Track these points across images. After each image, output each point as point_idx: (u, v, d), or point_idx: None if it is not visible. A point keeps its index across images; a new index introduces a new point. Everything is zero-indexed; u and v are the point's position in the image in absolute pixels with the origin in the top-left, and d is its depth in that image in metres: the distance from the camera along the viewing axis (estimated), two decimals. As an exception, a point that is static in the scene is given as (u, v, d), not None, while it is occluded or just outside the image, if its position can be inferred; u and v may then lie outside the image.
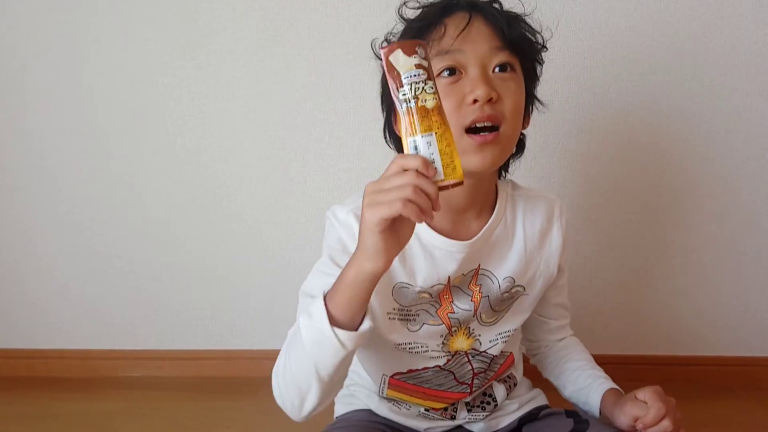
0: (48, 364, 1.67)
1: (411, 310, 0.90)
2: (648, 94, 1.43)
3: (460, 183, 0.66)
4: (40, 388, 1.61)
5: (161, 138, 1.53)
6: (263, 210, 1.56)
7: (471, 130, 0.79)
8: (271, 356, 1.70)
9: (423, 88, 0.66)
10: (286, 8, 1.42)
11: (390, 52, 0.66)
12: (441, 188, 0.65)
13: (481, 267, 0.91)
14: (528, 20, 0.89)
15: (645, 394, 0.86)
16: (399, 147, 0.94)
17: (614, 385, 0.97)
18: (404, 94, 0.66)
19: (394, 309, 0.90)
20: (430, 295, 0.90)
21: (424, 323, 0.91)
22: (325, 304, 0.73)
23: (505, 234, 0.93)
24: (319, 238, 0.93)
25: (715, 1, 1.37)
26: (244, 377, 1.64)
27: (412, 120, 0.65)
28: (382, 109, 0.95)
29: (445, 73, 0.81)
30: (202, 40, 1.45)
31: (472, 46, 0.80)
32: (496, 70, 0.81)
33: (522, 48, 0.84)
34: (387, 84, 0.89)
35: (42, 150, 1.56)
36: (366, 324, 0.74)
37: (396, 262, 0.87)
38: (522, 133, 0.92)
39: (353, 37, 1.42)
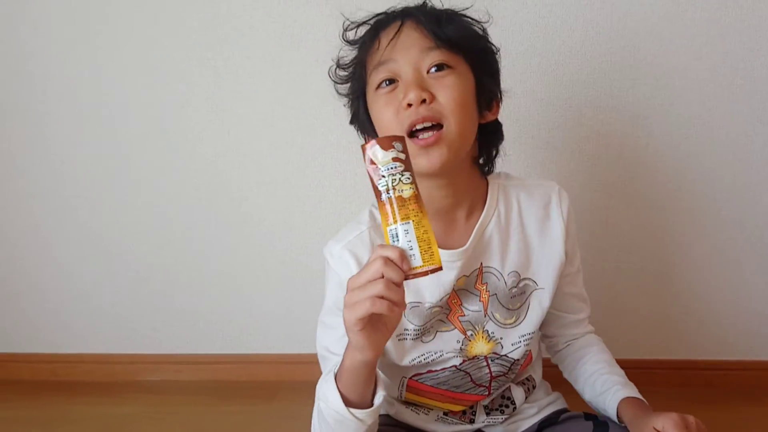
0: (69, 368, 1.69)
1: (426, 326, 0.91)
2: (666, 98, 1.42)
3: (439, 268, 0.68)
4: (61, 391, 1.63)
5: (180, 144, 1.54)
6: (281, 215, 1.57)
7: (414, 133, 0.80)
8: (288, 360, 1.72)
9: (400, 179, 0.68)
10: (304, 15, 1.43)
11: (369, 147, 0.69)
12: (419, 274, 0.68)
13: (483, 265, 0.90)
14: (468, 13, 0.89)
15: (663, 424, 0.79)
16: None
17: (630, 392, 0.93)
18: (383, 186, 0.68)
19: (406, 330, 0.90)
20: (441, 307, 0.90)
21: (437, 331, 0.92)
22: (337, 386, 0.78)
23: (500, 227, 0.91)
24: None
25: (734, 4, 1.36)
26: (261, 381, 1.65)
27: (392, 209, 0.68)
28: (357, 131, 0.97)
29: (384, 84, 0.83)
30: (220, 48, 1.47)
31: (404, 53, 0.82)
32: (433, 70, 0.82)
33: (459, 43, 0.83)
34: (357, 116, 0.90)
35: (61, 157, 1.58)
36: (378, 397, 0.79)
37: None
38: (497, 121, 0.92)
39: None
